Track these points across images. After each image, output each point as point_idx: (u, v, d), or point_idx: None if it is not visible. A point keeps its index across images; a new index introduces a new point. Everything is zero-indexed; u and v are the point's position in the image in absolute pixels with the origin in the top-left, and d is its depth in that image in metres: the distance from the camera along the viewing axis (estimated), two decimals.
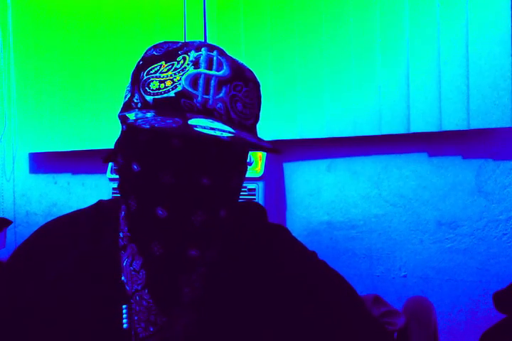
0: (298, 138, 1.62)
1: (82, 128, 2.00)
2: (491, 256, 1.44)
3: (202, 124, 0.49)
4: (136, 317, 0.59)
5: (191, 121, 0.49)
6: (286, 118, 1.64)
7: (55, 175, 2.21)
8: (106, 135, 1.92)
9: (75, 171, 2.15)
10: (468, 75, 1.39)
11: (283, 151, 1.70)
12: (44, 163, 2.24)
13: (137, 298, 0.60)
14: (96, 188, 2.09)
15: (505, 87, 1.35)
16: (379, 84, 1.51)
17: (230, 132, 0.50)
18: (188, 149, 0.53)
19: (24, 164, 2.30)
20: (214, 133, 0.48)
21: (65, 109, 2.05)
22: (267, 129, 1.65)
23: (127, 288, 0.61)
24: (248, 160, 1.61)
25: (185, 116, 0.51)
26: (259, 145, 0.52)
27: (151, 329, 0.59)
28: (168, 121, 0.49)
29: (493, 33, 1.36)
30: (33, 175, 2.27)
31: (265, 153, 1.62)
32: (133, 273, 0.60)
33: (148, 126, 0.47)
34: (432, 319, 0.91)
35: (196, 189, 0.53)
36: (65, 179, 2.18)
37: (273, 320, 0.61)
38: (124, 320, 0.59)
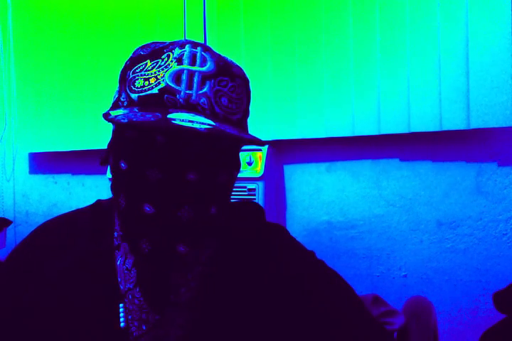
0: (298, 138, 1.62)
1: (82, 128, 2.00)
2: (491, 256, 1.44)
3: (182, 118, 0.49)
4: (130, 316, 0.59)
5: (171, 115, 0.50)
6: (285, 119, 1.64)
7: (55, 175, 2.21)
8: (106, 135, 1.91)
9: (75, 171, 2.15)
10: (468, 75, 1.39)
11: (283, 151, 1.70)
12: (44, 163, 2.24)
13: (130, 296, 0.60)
14: (96, 188, 2.09)
15: (505, 86, 1.35)
16: (379, 85, 1.51)
17: (209, 124, 0.50)
18: (170, 144, 0.53)
19: (24, 164, 2.30)
20: (191, 126, 0.48)
21: (65, 109, 2.05)
22: (267, 129, 1.65)
23: (121, 287, 0.61)
24: (248, 160, 1.62)
25: (167, 111, 0.51)
26: (238, 136, 0.51)
27: (144, 327, 0.59)
28: (147, 115, 0.49)
29: (493, 33, 1.36)
30: (33, 175, 2.27)
31: (265, 154, 1.62)
32: (125, 271, 0.60)
33: (126, 121, 0.48)
34: (431, 319, 0.91)
35: (181, 184, 0.54)
36: (65, 179, 2.18)
37: (271, 320, 0.61)
38: (122, 319, 0.59)
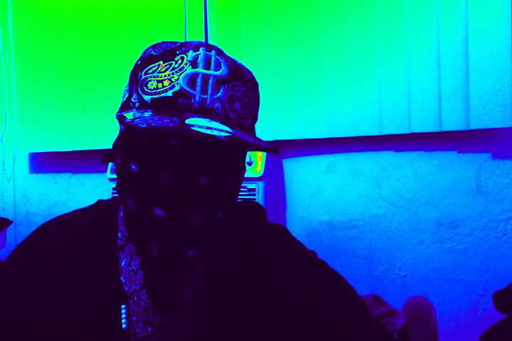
0: (298, 138, 1.62)
1: (82, 128, 2.00)
2: (491, 256, 1.44)
3: (199, 124, 0.49)
4: (134, 318, 0.59)
5: (188, 121, 0.49)
6: (286, 118, 1.64)
7: (55, 175, 2.21)
8: (106, 135, 1.92)
9: (75, 171, 2.15)
10: (468, 75, 1.39)
11: (283, 151, 1.70)
12: (44, 163, 2.24)
13: (135, 298, 0.60)
14: (96, 188, 2.09)
15: (505, 87, 1.35)
16: (379, 85, 1.51)
17: (227, 131, 0.50)
18: (185, 149, 0.53)
19: (24, 164, 2.30)
20: (211, 133, 0.48)
21: (65, 109, 2.05)
22: (268, 129, 1.65)
23: (125, 288, 0.61)
24: (248, 160, 1.62)
25: (183, 115, 0.51)
26: (257, 144, 0.52)
27: (149, 329, 0.59)
28: (165, 120, 0.48)
29: (493, 33, 1.36)
30: (33, 175, 2.27)
31: (265, 153, 1.62)
32: (131, 273, 0.60)
33: (145, 126, 0.47)
34: (431, 319, 0.91)
35: (194, 189, 0.53)
36: (65, 179, 2.17)
37: (272, 320, 0.61)
38: (123, 320, 0.59)
